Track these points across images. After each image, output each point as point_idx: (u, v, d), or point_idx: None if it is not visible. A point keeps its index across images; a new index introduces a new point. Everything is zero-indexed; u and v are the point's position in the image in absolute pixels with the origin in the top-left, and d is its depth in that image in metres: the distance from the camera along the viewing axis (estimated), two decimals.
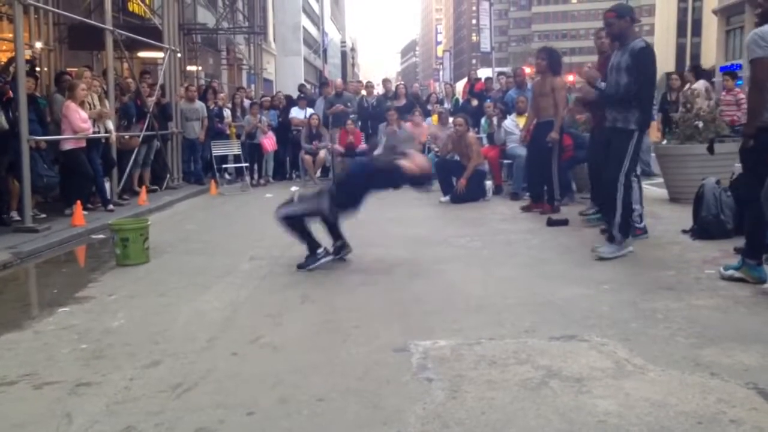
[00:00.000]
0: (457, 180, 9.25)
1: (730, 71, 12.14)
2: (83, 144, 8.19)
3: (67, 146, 8.04)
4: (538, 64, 7.93)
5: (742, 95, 10.37)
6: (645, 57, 5.25)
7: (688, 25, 44.51)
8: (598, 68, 6.54)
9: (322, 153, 12.22)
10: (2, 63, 8.45)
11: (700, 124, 7.66)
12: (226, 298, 4.51)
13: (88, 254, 6.50)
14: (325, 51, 60.69)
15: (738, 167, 6.64)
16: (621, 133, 5.32)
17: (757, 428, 2.45)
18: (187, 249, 6.39)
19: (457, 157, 9.52)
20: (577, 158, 8.55)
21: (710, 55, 36.55)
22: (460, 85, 18.31)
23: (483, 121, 11.54)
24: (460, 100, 13.59)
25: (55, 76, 9.93)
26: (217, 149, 12.32)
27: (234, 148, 12.52)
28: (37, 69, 10.48)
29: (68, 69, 10.55)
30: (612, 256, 5.26)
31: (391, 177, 5.30)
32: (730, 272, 4.51)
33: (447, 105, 13.18)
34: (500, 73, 15.63)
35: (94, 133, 8.41)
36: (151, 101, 10.41)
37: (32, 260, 6.03)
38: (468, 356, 3.25)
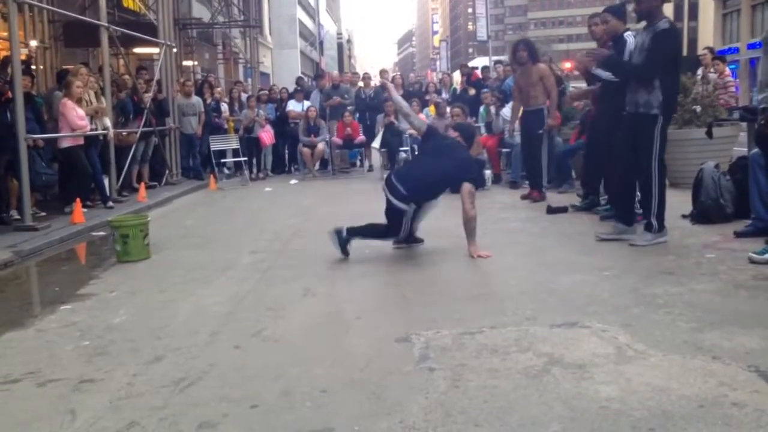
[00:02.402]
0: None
1: (720, 55, 12.12)
2: (81, 141, 8.18)
3: (65, 144, 8.03)
4: (521, 56, 8.00)
5: (729, 79, 10.37)
6: (665, 37, 5.10)
7: (685, 8, 44.30)
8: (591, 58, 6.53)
9: (321, 145, 12.21)
10: None
11: (698, 109, 7.65)
12: (227, 292, 4.51)
13: (88, 251, 6.50)
14: (321, 43, 60.57)
15: (736, 151, 6.63)
16: (644, 119, 5.19)
17: (759, 411, 2.46)
18: (188, 244, 6.39)
19: None
20: (578, 145, 8.55)
21: (707, 39, 36.42)
22: (458, 74, 18.27)
23: (481, 109, 11.52)
24: (458, 90, 13.57)
25: (57, 74, 9.92)
26: (216, 144, 12.31)
27: (232, 143, 12.51)
28: (33, 67, 10.47)
29: (68, 67, 10.52)
30: (647, 244, 5.21)
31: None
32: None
33: (445, 95, 13.16)
34: (497, 62, 15.53)
35: (91, 130, 8.40)
36: (147, 97, 10.40)
37: (33, 259, 6.03)
38: (470, 345, 3.26)
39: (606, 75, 5.92)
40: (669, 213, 6.14)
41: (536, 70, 7.90)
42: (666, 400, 2.57)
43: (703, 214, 5.93)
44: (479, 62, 21.05)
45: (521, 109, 8.33)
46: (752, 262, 4.47)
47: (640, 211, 6.00)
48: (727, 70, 11.25)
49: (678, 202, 6.54)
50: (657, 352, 3.05)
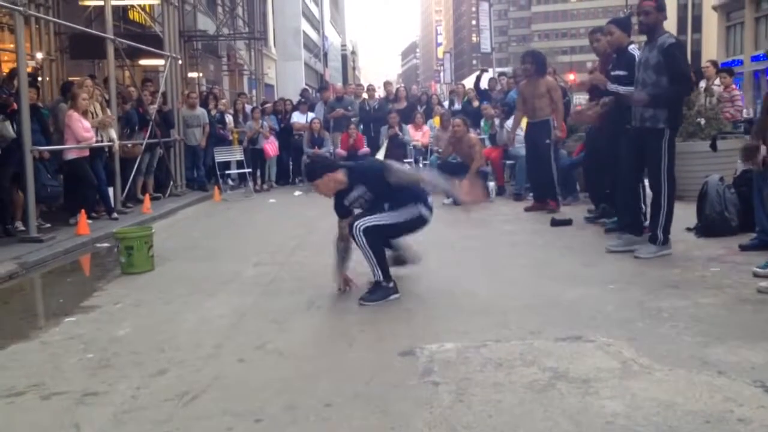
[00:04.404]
0: (459, 182, 9.24)
1: (727, 68, 12.09)
2: (86, 153, 8.21)
3: (71, 156, 8.06)
4: (526, 69, 8.05)
5: (736, 92, 10.34)
6: (679, 53, 5.10)
7: (689, 21, 44.43)
8: (600, 70, 6.54)
9: None
10: (4, 75, 8.46)
11: (702, 122, 7.66)
12: (231, 304, 4.51)
13: (93, 263, 6.50)
14: (325, 55, 60.83)
15: (741, 164, 6.60)
16: (651, 134, 5.20)
17: (765, 426, 2.45)
18: (192, 256, 6.39)
19: (458, 159, 9.52)
20: (581, 158, 8.56)
21: (711, 51, 36.49)
22: (468, 83, 18.37)
23: (482, 122, 11.54)
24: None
25: (62, 86, 9.96)
26: (220, 155, 12.34)
27: (237, 154, 12.54)
28: (39, 79, 10.52)
29: (74, 78, 10.58)
30: (651, 256, 5.22)
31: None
32: None
33: (458, 105, 13.16)
34: (501, 74, 15.61)
35: (97, 142, 8.43)
36: (153, 109, 10.43)
37: (37, 270, 6.04)
38: (474, 359, 3.25)
39: (624, 90, 5.86)
40: (673, 226, 6.14)
41: (544, 82, 7.91)
42: (672, 415, 2.56)
43: (708, 227, 5.92)
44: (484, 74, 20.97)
45: (525, 120, 8.35)
46: (756, 276, 4.45)
47: (647, 222, 5.99)
48: (734, 84, 11.22)
49: (682, 215, 6.52)
50: (662, 366, 3.04)
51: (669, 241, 5.33)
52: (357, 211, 4.64)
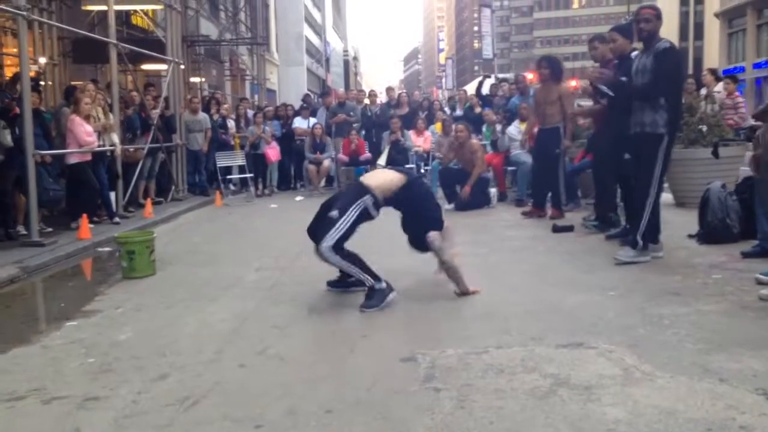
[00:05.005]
0: (460, 188, 9.25)
1: (731, 74, 12.05)
2: (89, 157, 8.22)
3: (73, 160, 8.07)
4: (541, 74, 8.01)
5: (740, 99, 10.33)
6: (668, 56, 5.13)
7: (690, 28, 44.51)
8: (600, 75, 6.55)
9: (326, 162, 12.25)
10: (7, 79, 8.48)
11: (704, 128, 7.65)
12: (232, 309, 4.51)
13: (94, 267, 6.51)
14: (327, 60, 60.94)
15: (744, 171, 6.61)
16: (649, 138, 5.20)
17: None
18: (193, 261, 6.40)
19: (459, 165, 9.53)
20: (584, 164, 8.56)
21: (713, 59, 36.55)
22: (470, 89, 18.40)
23: (484, 128, 11.56)
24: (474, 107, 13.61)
25: (64, 90, 9.99)
26: (222, 160, 12.36)
27: (238, 159, 12.56)
28: (42, 83, 10.54)
29: (76, 83, 10.60)
30: (629, 261, 5.23)
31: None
32: None
33: (459, 111, 13.18)
34: (503, 80, 15.63)
35: (99, 146, 8.45)
36: (155, 113, 10.46)
37: (39, 274, 6.04)
38: (475, 365, 3.24)
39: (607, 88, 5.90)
40: (675, 232, 6.15)
41: (557, 89, 7.88)
42: (673, 423, 2.55)
43: (710, 234, 5.91)
44: (486, 80, 20.98)
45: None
46: (759, 283, 4.44)
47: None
48: (737, 91, 11.19)
49: (684, 222, 6.54)
50: (664, 373, 3.03)
51: (648, 248, 5.31)
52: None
